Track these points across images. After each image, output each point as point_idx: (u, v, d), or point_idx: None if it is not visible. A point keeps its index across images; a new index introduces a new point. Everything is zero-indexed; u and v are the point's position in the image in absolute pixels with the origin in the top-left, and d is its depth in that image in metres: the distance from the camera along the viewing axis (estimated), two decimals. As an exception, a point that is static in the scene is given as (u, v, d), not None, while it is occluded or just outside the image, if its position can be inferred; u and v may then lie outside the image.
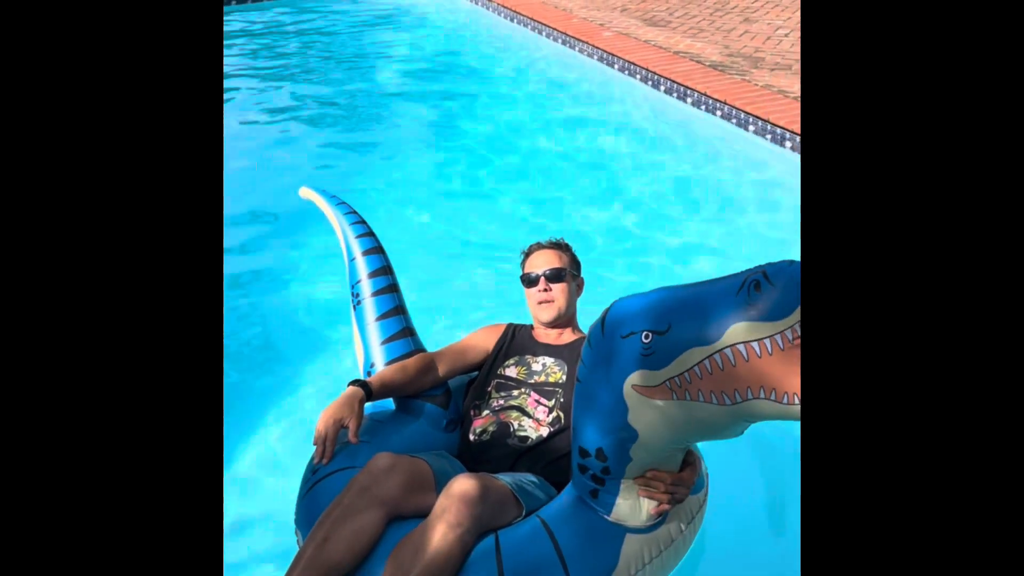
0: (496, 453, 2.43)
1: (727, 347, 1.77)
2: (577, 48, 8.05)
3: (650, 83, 6.98)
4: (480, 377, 2.67)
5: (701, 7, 9.11)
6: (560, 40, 8.34)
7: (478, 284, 4.35)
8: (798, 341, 1.71)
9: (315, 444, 2.36)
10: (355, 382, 2.50)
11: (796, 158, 5.56)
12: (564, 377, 2.54)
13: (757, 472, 2.99)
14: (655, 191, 5.51)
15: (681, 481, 2.17)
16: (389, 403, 2.64)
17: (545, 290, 2.66)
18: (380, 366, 2.68)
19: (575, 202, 5.37)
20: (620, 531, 2.14)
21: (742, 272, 1.80)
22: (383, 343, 2.73)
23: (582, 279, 2.83)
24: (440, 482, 2.16)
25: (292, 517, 2.33)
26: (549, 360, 2.61)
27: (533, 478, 2.33)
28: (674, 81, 6.71)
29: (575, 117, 6.89)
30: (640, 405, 1.93)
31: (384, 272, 2.87)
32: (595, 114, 6.98)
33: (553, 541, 2.06)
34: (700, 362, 1.81)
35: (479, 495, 2.01)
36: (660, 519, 2.18)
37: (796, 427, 3.04)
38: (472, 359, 2.70)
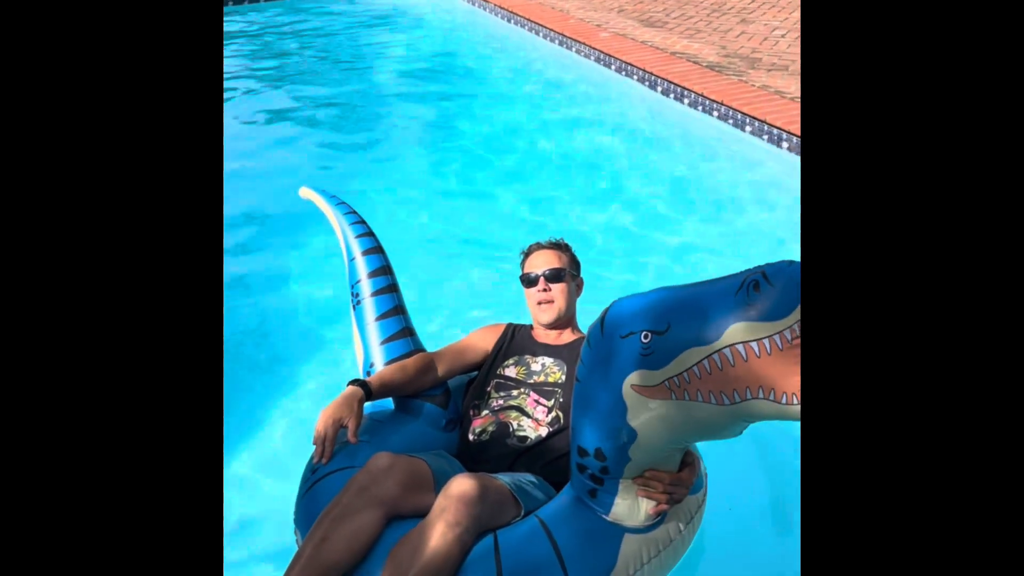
0: (495, 453, 2.43)
1: (726, 347, 1.77)
2: (574, 49, 8.06)
3: (647, 84, 6.99)
4: (479, 377, 2.67)
5: (698, 8, 9.12)
6: (557, 41, 8.35)
7: (477, 284, 4.35)
8: (797, 341, 1.71)
9: (314, 444, 2.36)
10: (354, 382, 2.50)
11: (793, 158, 5.56)
12: (563, 377, 2.54)
13: (756, 472, 2.99)
14: (653, 191, 5.52)
15: (679, 481, 2.17)
16: (388, 403, 2.64)
17: (544, 290, 2.66)
18: (379, 366, 2.68)
19: (573, 202, 5.37)
20: (618, 531, 2.14)
21: (741, 272, 1.81)
22: (383, 343, 2.73)
23: (581, 279, 2.83)
24: (439, 482, 2.16)
25: (291, 516, 2.33)
26: (548, 360, 2.61)
27: (532, 478, 2.34)
28: (671, 82, 6.72)
29: (572, 118, 6.89)
30: (639, 405, 1.93)
31: (384, 272, 2.87)
32: (592, 115, 6.98)
33: (551, 541, 2.06)
34: (699, 362, 1.81)
35: (478, 495, 2.02)
36: (659, 519, 2.19)
37: (795, 427, 3.04)
38: (471, 359, 2.71)
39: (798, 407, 1.73)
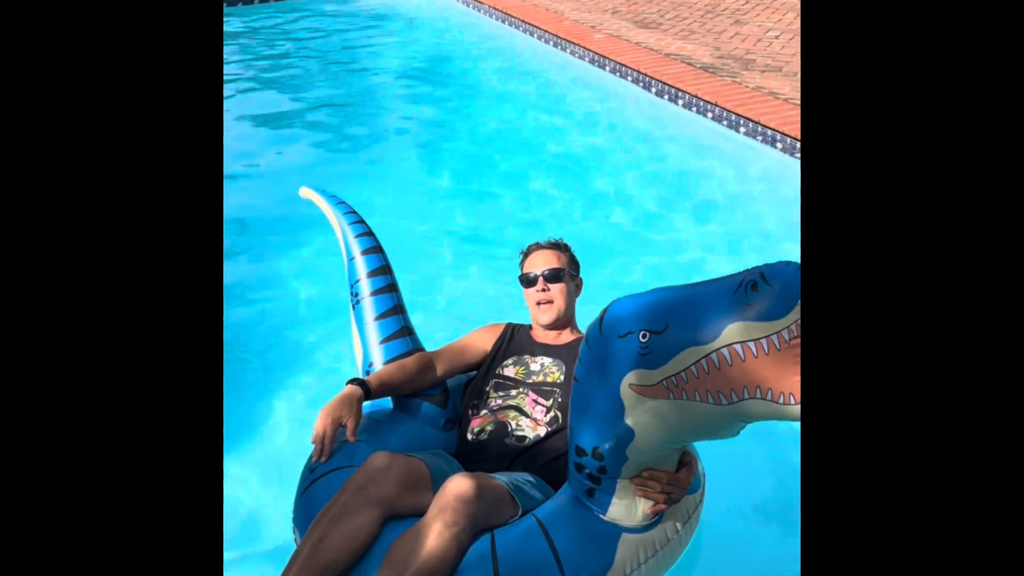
0: (493, 452, 2.43)
1: (723, 347, 1.78)
2: (569, 50, 8.07)
3: (641, 85, 7.00)
4: (478, 376, 2.67)
5: (692, 9, 9.14)
6: (552, 42, 8.36)
7: (476, 284, 4.36)
8: (794, 342, 1.72)
9: (313, 443, 2.36)
10: (353, 381, 2.50)
11: (787, 159, 5.58)
12: (562, 377, 2.54)
13: (754, 473, 2.99)
14: (648, 192, 5.53)
15: (677, 481, 2.18)
16: (387, 402, 2.64)
17: (543, 290, 2.67)
18: (379, 365, 2.68)
19: (569, 203, 5.38)
20: (616, 531, 2.14)
21: (740, 272, 1.82)
22: (382, 342, 2.73)
23: (581, 279, 2.83)
24: (437, 481, 2.16)
25: (290, 515, 2.33)
26: (547, 360, 2.61)
27: (530, 477, 2.34)
28: (665, 83, 6.73)
29: (568, 119, 6.90)
30: (637, 404, 1.94)
31: (383, 271, 2.87)
32: (587, 116, 6.99)
33: (549, 541, 2.06)
34: (697, 362, 1.82)
35: (475, 494, 2.02)
36: (656, 519, 2.19)
37: (793, 427, 3.06)
38: (471, 359, 2.71)
39: (795, 407, 1.73)
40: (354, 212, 3.08)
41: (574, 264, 2.79)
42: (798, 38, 7.80)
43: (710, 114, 6.28)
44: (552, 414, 2.47)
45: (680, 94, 6.57)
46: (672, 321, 1.86)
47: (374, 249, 2.93)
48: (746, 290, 1.76)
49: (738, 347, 1.76)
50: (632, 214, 5.21)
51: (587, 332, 2.09)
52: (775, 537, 2.75)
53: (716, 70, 6.95)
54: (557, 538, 2.08)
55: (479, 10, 9.84)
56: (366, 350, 2.75)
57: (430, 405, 2.62)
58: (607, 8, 9.34)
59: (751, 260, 1.91)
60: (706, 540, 2.51)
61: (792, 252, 3.75)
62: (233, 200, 4.72)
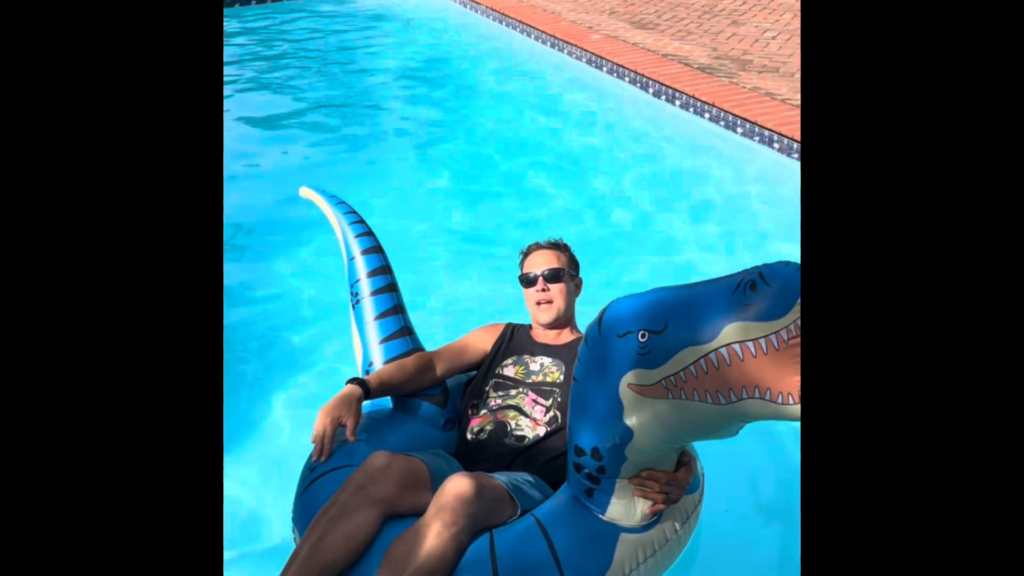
0: (493, 452, 2.43)
1: (722, 347, 1.79)
2: (566, 51, 8.07)
3: (639, 85, 7.01)
4: (478, 376, 2.67)
5: (689, 10, 9.15)
6: (549, 43, 8.36)
7: (476, 283, 4.36)
8: (793, 341, 1.72)
9: (313, 442, 2.36)
10: (353, 380, 2.51)
11: (784, 159, 5.59)
12: (562, 377, 2.54)
13: (753, 473, 3.00)
14: (646, 192, 5.54)
15: (676, 481, 2.18)
16: (387, 402, 2.65)
17: (543, 290, 2.67)
18: (378, 365, 2.68)
19: (568, 203, 5.39)
20: (615, 531, 2.15)
21: (739, 272, 1.82)
22: (382, 342, 2.73)
23: (580, 279, 2.83)
24: (436, 481, 2.16)
25: (290, 515, 2.34)
26: (547, 360, 2.62)
27: (529, 477, 2.34)
28: (663, 83, 6.74)
29: (565, 119, 6.91)
30: (635, 404, 1.95)
31: (383, 271, 2.87)
32: (585, 116, 7.00)
33: (547, 540, 2.07)
34: (695, 361, 1.82)
35: (474, 494, 2.02)
36: (655, 519, 2.19)
37: (792, 427, 3.07)
38: (470, 358, 2.71)
39: (793, 407, 1.74)
40: (354, 212, 3.08)
41: (574, 264, 2.79)
42: (795, 39, 7.81)
43: (707, 115, 6.29)
44: (552, 414, 2.48)
45: (677, 95, 6.58)
46: (671, 321, 1.87)
47: (374, 249, 2.93)
48: (745, 290, 1.77)
49: (737, 347, 1.77)
50: (630, 214, 5.22)
51: (586, 332, 2.10)
52: (774, 537, 2.75)
53: (713, 71, 6.96)
54: (556, 538, 2.08)
55: (476, 11, 9.85)
56: (366, 350, 2.75)
57: (430, 405, 2.62)
58: (604, 9, 9.34)
59: (748, 260, 1.92)
60: (705, 540, 2.52)
61: (789, 252, 3.76)
62: (233, 200, 4.73)
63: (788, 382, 1.73)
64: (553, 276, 2.68)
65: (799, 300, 1.71)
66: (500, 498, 2.14)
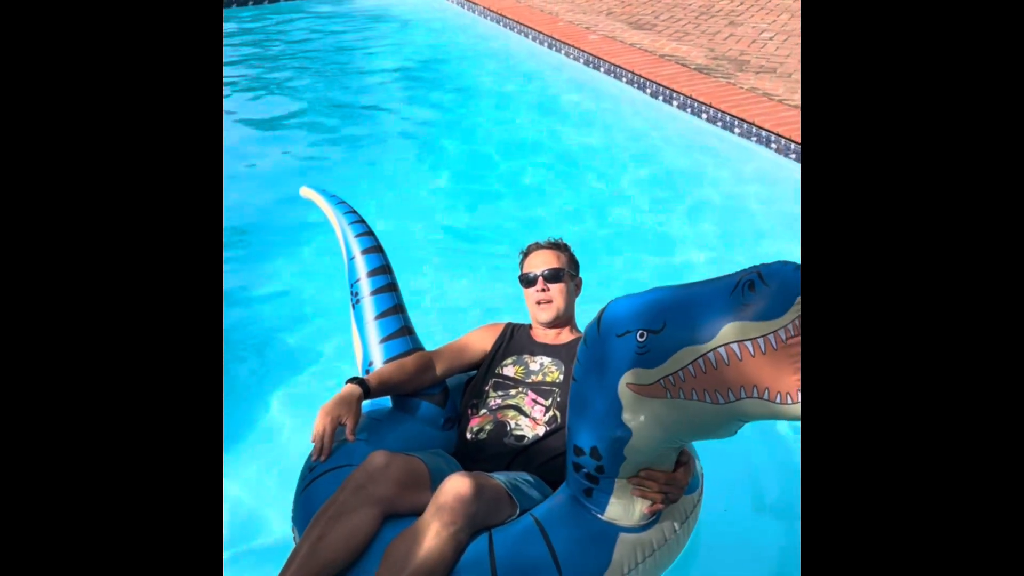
0: (492, 452, 2.44)
1: (720, 346, 1.79)
2: (563, 52, 8.07)
3: (636, 86, 7.01)
4: (478, 376, 2.67)
5: (686, 10, 9.15)
6: (547, 43, 8.36)
7: (476, 283, 4.36)
8: (792, 341, 1.73)
9: (312, 441, 2.36)
10: (353, 380, 2.51)
11: (781, 160, 5.60)
12: (561, 377, 2.54)
13: (752, 472, 3.00)
14: (644, 192, 5.54)
15: (675, 481, 2.18)
16: (386, 401, 2.65)
17: (543, 290, 2.67)
18: (378, 364, 2.68)
19: (566, 203, 5.40)
20: (613, 531, 2.15)
21: (737, 272, 1.83)
22: (381, 341, 2.73)
23: (580, 279, 2.83)
24: (436, 480, 2.16)
25: (289, 514, 2.34)
26: (547, 360, 2.62)
27: (528, 477, 2.34)
28: (660, 84, 6.74)
29: (563, 120, 6.91)
30: (634, 404, 1.95)
31: (383, 271, 2.87)
32: (582, 117, 6.99)
33: (546, 540, 2.07)
34: (694, 361, 1.83)
35: (473, 494, 2.02)
36: (653, 519, 2.20)
37: (791, 427, 3.07)
38: (470, 358, 2.71)
39: (791, 407, 1.74)
40: (354, 212, 3.08)
41: (574, 264, 2.79)
42: (792, 39, 7.81)
43: (704, 115, 6.29)
44: (551, 413, 2.48)
45: (675, 95, 6.59)
46: (669, 320, 1.87)
47: (374, 248, 2.93)
48: (743, 290, 1.77)
49: (735, 346, 1.77)
50: (628, 214, 5.22)
51: (585, 332, 2.10)
52: (774, 537, 2.75)
53: (711, 71, 6.97)
54: (555, 538, 2.08)
55: (474, 11, 9.85)
56: (366, 349, 2.75)
57: (429, 404, 2.62)
58: (601, 9, 9.34)
59: (745, 260, 1.92)
60: (704, 540, 2.52)
61: (786, 252, 3.75)
62: (233, 200, 4.73)
63: (786, 382, 1.73)
64: (553, 276, 2.68)
65: (797, 300, 1.71)
66: (499, 498, 2.14)
